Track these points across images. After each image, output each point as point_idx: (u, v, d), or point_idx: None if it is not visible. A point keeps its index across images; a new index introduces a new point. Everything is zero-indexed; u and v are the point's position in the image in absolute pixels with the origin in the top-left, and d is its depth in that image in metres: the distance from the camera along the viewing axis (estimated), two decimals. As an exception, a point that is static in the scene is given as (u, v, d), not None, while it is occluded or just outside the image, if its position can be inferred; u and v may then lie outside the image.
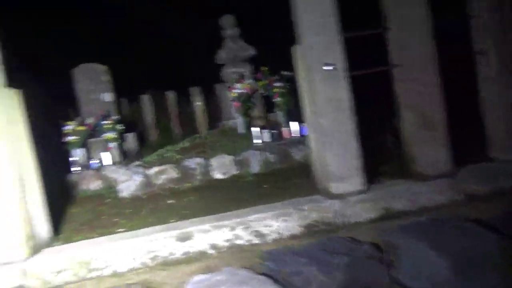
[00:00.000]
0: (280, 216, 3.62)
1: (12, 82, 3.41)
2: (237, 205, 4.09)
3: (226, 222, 3.55)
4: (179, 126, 10.78)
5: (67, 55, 8.79)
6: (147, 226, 3.82)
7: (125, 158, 7.39)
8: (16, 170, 3.31)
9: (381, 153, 4.55)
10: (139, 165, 5.62)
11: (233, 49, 7.22)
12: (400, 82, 3.86)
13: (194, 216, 3.92)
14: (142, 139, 9.70)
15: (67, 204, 5.57)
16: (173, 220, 3.95)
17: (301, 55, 3.76)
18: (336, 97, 3.62)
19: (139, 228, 3.81)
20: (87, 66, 8.07)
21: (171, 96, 10.88)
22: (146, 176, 5.41)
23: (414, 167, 3.89)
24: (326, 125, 3.61)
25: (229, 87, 6.41)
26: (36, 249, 3.38)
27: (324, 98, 3.60)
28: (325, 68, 3.56)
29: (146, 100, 10.75)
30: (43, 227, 3.58)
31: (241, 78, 6.58)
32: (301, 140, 5.86)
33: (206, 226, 3.52)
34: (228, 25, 7.29)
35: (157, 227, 3.67)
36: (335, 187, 3.66)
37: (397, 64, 3.85)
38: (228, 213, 3.78)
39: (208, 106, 10.88)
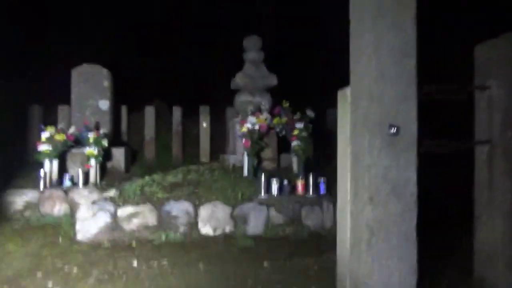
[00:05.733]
0: None
1: None
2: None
3: None
4: (181, 148, 9.43)
5: (68, 53, 7.63)
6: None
7: (106, 177, 6.03)
8: None
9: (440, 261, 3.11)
10: (110, 199, 4.24)
11: (253, 76, 5.93)
12: (488, 167, 2.50)
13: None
14: (136, 155, 8.36)
15: (14, 234, 4.19)
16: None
17: (353, 105, 2.43)
18: (398, 177, 2.26)
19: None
20: (88, 68, 6.82)
21: (177, 112, 9.58)
22: (115, 218, 4.02)
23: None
24: (376, 217, 2.24)
25: (241, 120, 5.09)
26: None
27: (380, 174, 2.24)
28: (391, 132, 2.22)
29: (149, 112, 9.45)
30: None
31: (257, 111, 5.25)
32: (317, 200, 4.48)
33: None
34: (252, 47, 6.02)
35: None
36: (374, 312, 2.25)
37: (488, 140, 2.50)
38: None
39: (214, 132, 9.54)
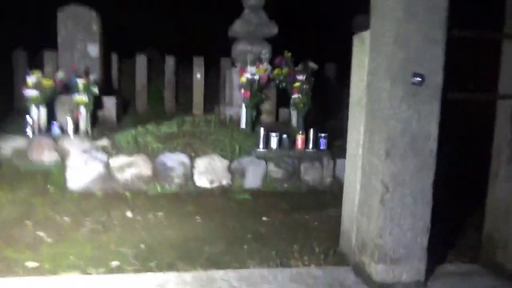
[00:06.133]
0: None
1: None
2: (222, 249, 2.60)
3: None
4: (173, 99, 9.12)
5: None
6: (75, 265, 2.30)
7: (96, 127, 5.78)
8: None
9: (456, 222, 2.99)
10: (102, 148, 4.03)
11: (252, 23, 5.55)
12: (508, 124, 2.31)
13: (153, 256, 2.43)
14: (127, 105, 8.08)
15: (3, 181, 3.98)
16: (116, 262, 2.40)
17: (373, 49, 2.18)
18: (418, 131, 2.06)
19: (62, 265, 2.29)
20: (75, 9, 6.34)
21: (170, 61, 9.17)
22: (108, 167, 3.82)
23: (500, 257, 2.39)
24: (392, 173, 2.07)
25: (240, 69, 4.78)
26: None
27: (399, 128, 2.05)
28: (415, 80, 1.99)
29: (141, 61, 9.03)
30: None
31: (257, 61, 4.94)
32: (317, 155, 4.31)
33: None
34: (251, -9, 5.59)
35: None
36: (382, 271, 2.14)
37: (514, 95, 2.30)
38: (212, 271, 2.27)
39: (208, 83, 9.23)
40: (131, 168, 3.83)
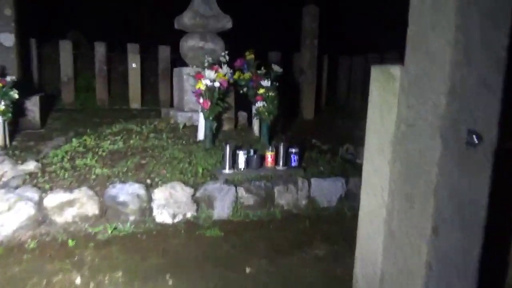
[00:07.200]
0: None
1: None
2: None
3: None
4: (106, 91, 8.10)
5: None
6: None
7: (17, 135, 4.79)
8: None
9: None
10: (28, 176, 3.18)
11: (204, 15, 4.84)
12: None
13: None
14: (51, 99, 6.97)
15: None
16: None
17: (409, 94, 1.71)
18: (468, 200, 1.67)
19: None
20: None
21: (100, 47, 8.10)
22: (41, 208, 3.01)
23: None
24: (437, 251, 1.67)
25: (197, 73, 4.08)
26: None
27: (447, 197, 1.63)
28: (471, 140, 1.58)
29: (65, 48, 7.85)
30: None
31: (216, 63, 4.26)
32: (289, 175, 3.85)
33: None
34: (202, -22, 4.85)
35: None
36: None
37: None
38: None
39: (145, 72, 8.33)
40: (73, 207, 3.06)
